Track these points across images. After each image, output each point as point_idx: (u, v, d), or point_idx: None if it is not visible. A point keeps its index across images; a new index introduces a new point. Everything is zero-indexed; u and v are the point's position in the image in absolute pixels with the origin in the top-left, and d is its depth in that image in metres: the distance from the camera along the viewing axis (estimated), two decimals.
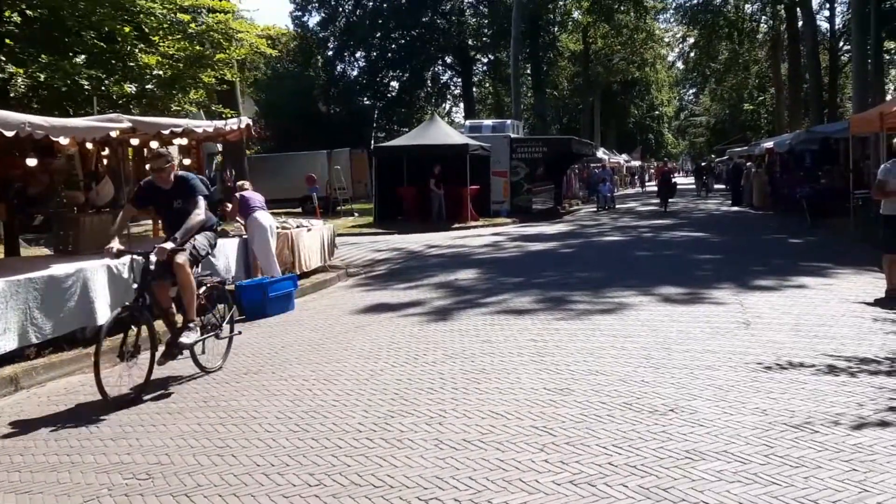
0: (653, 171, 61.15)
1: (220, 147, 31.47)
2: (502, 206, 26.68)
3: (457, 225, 23.70)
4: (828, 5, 45.48)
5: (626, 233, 19.64)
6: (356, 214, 27.66)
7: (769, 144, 26.92)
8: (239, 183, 11.86)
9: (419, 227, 23.27)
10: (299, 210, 29.38)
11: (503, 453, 4.66)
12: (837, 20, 46.88)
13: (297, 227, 12.75)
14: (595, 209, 30.83)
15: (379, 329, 8.66)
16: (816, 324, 7.96)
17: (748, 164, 32.76)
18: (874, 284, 10.30)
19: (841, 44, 48.43)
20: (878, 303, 9.11)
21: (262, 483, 4.41)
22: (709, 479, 4.16)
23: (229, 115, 12.94)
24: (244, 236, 11.15)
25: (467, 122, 32.36)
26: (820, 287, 10.24)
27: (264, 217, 11.05)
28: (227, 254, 10.68)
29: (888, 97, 39.14)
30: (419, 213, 25.09)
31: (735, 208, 28.40)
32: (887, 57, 41.62)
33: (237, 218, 11.46)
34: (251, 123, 11.11)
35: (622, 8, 49.27)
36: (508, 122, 29.98)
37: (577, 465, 4.44)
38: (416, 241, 19.15)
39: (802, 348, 6.96)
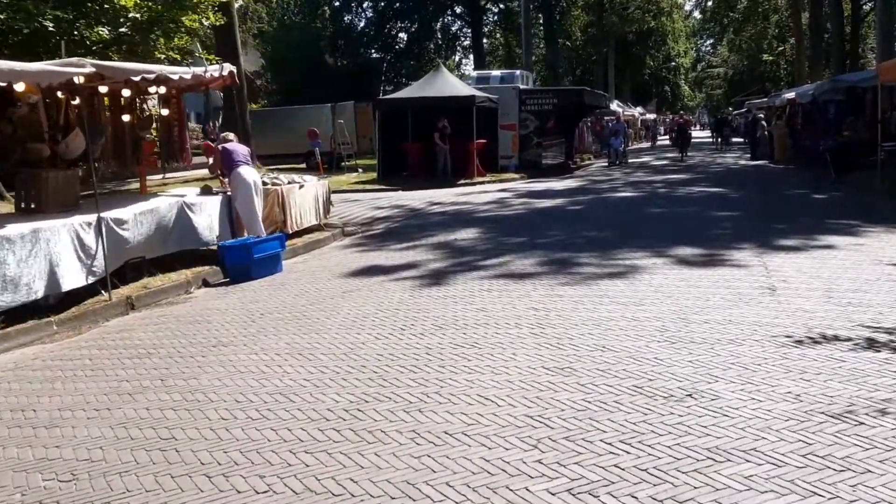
0: (665, 124, 59.66)
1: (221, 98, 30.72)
2: (511, 160, 25.72)
3: (462, 181, 22.82)
4: None
5: (639, 188, 18.74)
6: (360, 170, 26.80)
7: (790, 95, 25.74)
8: (223, 134, 11.05)
9: (424, 184, 22.41)
10: (303, 165, 28.58)
11: (489, 451, 3.94)
12: None
13: (289, 183, 11.97)
14: (606, 164, 29.73)
15: (368, 294, 7.94)
16: (850, 289, 7.17)
17: (759, 115, 31.62)
18: None
19: None
20: None
21: (201, 488, 3.72)
22: (736, 488, 3.43)
23: (215, 62, 12.05)
24: (228, 193, 10.40)
25: (475, 73, 31.24)
26: (850, 247, 9.40)
27: (248, 172, 10.27)
28: (209, 212, 9.94)
29: None
30: (424, 168, 24.21)
31: (754, 162, 27.34)
32: None
33: (219, 172, 10.71)
34: (234, 71, 10.25)
35: None
36: (517, 72, 28.86)
37: (576, 467, 3.72)
38: (419, 198, 18.34)
39: (836, 318, 6.19)
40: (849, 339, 5.60)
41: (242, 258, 9.35)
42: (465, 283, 8.19)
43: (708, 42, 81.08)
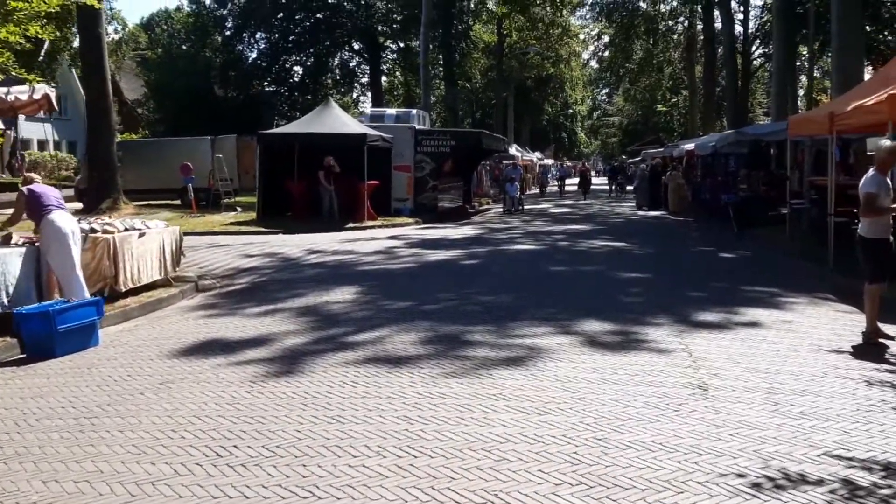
0: (559, 170, 59.51)
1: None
2: (405, 204, 24.22)
3: (351, 225, 21.10)
4: (741, 8, 44.52)
5: (538, 240, 17.44)
6: (239, 210, 24.69)
7: (689, 146, 25.32)
8: (26, 175, 8.93)
9: (308, 227, 20.56)
10: (178, 202, 26.23)
11: None
12: (751, 24, 46.51)
13: (126, 230, 9.93)
14: (503, 211, 28.42)
15: (192, 388, 6.06)
16: (796, 390, 5.81)
17: (642, 165, 31.63)
18: (840, 321, 8.36)
19: (753, 48, 48.09)
20: (857, 352, 7.08)
21: None
22: None
23: (36, 83, 9.95)
24: (37, 243, 8.31)
25: (368, 111, 29.80)
26: (778, 325, 8.15)
27: (63, 219, 8.21)
28: (5, 268, 7.83)
29: (799, 102, 38.72)
30: (310, 210, 22.36)
31: (652, 213, 26.73)
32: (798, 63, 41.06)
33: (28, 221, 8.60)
34: (50, 94, 8.26)
35: (538, 1, 47.48)
36: (414, 111, 27.53)
37: None
38: (298, 245, 16.48)
39: (793, 441, 4.76)
40: (820, 482, 4.15)
41: (42, 329, 7.29)
42: (325, 373, 6.42)
43: (604, 91, 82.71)
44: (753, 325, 8.20)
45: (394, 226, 21.62)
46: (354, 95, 56.56)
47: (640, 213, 27.27)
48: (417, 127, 25.03)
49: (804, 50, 43.42)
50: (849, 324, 8.19)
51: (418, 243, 16.54)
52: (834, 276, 11.35)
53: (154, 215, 24.07)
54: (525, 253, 14.84)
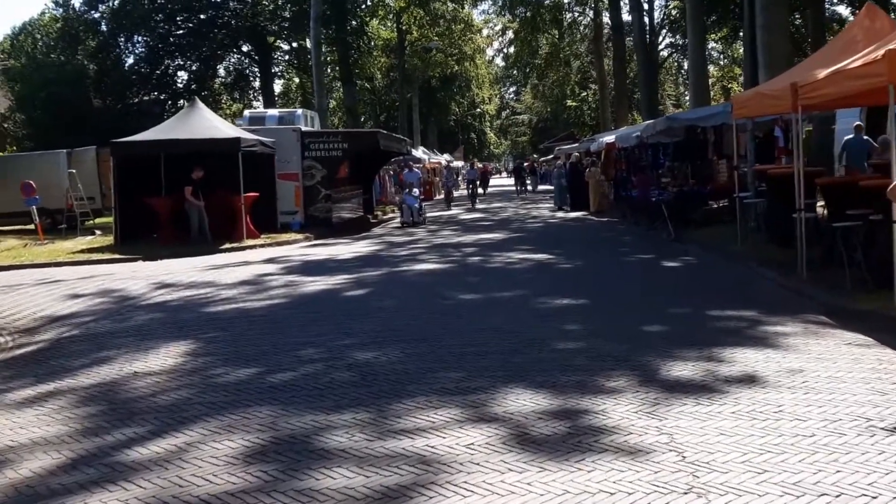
0: (466, 174, 56.98)
1: None
2: (294, 217, 21.10)
3: (228, 245, 17.91)
4: None
5: (445, 255, 14.62)
6: (98, 233, 21.15)
7: (609, 139, 23.03)
8: None
9: (176, 251, 17.28)
10: (32, 227, 22.42)
11: None
12: (656, 13, 45.11)
13: None
14: (400, 223, 24.32)
15: None
16: None
17: (558, 162, 29.68)
18: (868, 365, 5.88)
19: (660, 38, 46.81)
20: None
21: None
22: None
23: None
24: None
25: (246, 113, 26.43)
26: (786, 380, 5.57)
27: None
28: None
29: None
30: (179, 230, 19.06)
31: (573, 214, 24.35)
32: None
33: None
34: None
35: None
36: (299, 111, 24.41)
37: None
38: (149, 276, 13.26)
39: None
40: None
41: None
42: None
43: (511, 89, 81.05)
44: (751, 381, 5.59)
45: (278, 244, 18.53)
46: (249, 101, 52.61)
47: (560, 214, 24.90)
48: (304, 129, 21.92)
49: (714, 37, 42.45)
50: (882, 369, 5.71)
51: (298, 267, 13.52)
52: (813, 289, 8.97)
53: None
54: (427, 276, 11.97)
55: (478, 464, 4.19)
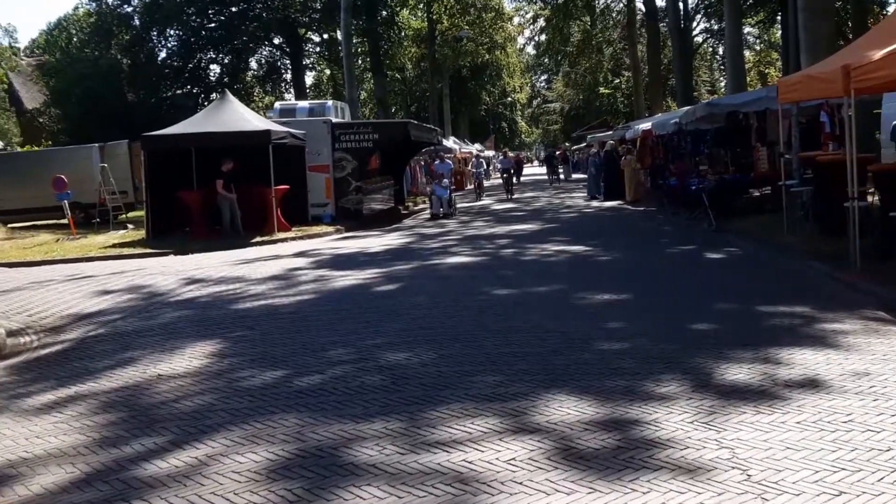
0: (500, 162, 56.32)
1: None
2: (325, 209, 20.85)
3: (258, 239, 17.72)
4: None
5: (478, 248, 14.23)
6: (131, 227, 21.08)
7: (645, 126, 22.43)
8: None
9: (207, 245, 17.15)
10: (65, 221, 22.46)
11: None
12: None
13: None
14: (429, 215, 23.39)
15: None
16: None
17: (592, 150, 29.00)
18: None
19: (694, 24, 45.87)
20: None
21: None
22: None
23: None
24: None
25: (277, 105, 26.20)
26: (852, 384, 5.14)
27: None
28: None
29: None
30: (209, 223, 18.93)
31: (608, 203, 23.81)
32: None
33: None
34: None
35: None
36: (330, 103, 24.15)
37: None
38: (180, 271, 13.09)
39: None
40: None
41: None
42: None
43: (542, 77, 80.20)
44: (814, 385, 5.16)
45: (309, 237, 18.30)
46: (281, 94, 52.59)
47: (595, 204, 24.37)
48: (335, 120, 21.64)
49: (751, 21, 41.47)
50: None
51: (328, 261, 13.24)
52: (868, 283, 8.47)
53: (28, 238, 20.47)
54: (460, 269, 11.59)
55: (521, 483, 3.84)
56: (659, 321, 7.36)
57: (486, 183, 34.99)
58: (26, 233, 21.66)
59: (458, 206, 26.64)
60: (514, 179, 34.12)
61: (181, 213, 18.92)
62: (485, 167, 40.35)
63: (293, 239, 17.93)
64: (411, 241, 16.24)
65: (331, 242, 16.97)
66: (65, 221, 22.02)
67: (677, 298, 8.44)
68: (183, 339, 7.72)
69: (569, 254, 12.63)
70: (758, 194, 17.10)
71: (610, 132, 34.87)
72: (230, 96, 20.09)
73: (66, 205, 19.56)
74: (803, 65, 14.49)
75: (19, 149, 39.64)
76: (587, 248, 13.04)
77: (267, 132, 17.96)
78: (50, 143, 39.74)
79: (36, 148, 35.91)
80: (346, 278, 11.05)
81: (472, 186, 34.05)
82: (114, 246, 17.58)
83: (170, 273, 12.92)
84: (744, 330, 6.80)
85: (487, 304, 8.60)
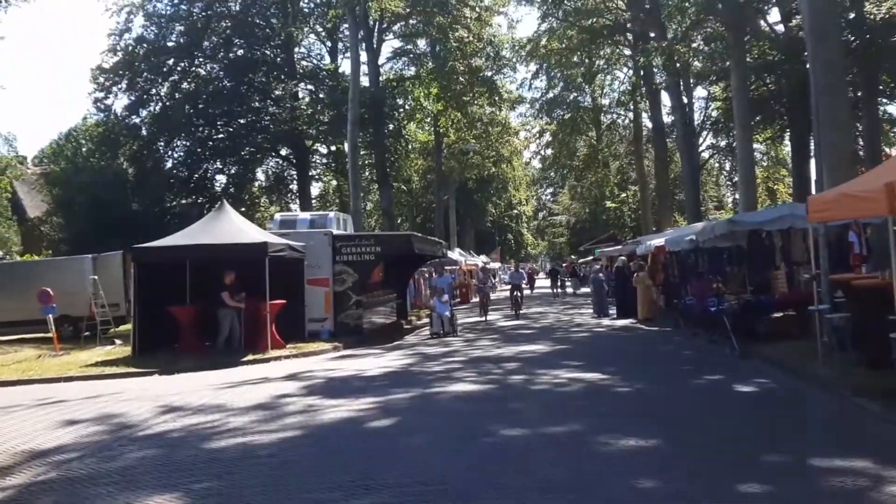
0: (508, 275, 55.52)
1: None
2: (323, 324, 19.91)
3: (251, 357, 16.69)
4: (686, 96, 42.23)
5: (484, 372, 13.12)
6: (119, 342, 20.08)
7: (657, 242, 21.67)
8: None
9: (197, 363, 16.14)
10: (51, 336, 21.45)
11: None
12: (696, 115, 44.28)
13: None
14: (429, 333, 21.68)
15: None
16: None
17: (596, 266, 28.00)
18: None
19: (700, 139, 46.00)
20: None
21: None
22: None
23: None
24: None
25: (277, 216, 25.62)
26: None
27: None
28: None
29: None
30: (201, 339, 17.96)
31: (620, 322, 22.77)
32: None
33: None
34: None
35: (475, 102, 44.76)
36: (331, 214, 23.50)
37: None
38: (160, 395, 12.02)
39: None
40: None
41: None
42: None
43: (548, 190, 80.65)
44: None
45: (304, 354, 17.28)
46: (285, 204, 52.47)
47: (605, 322, 23.33)
48: (336, 232, 20.95)
49: (758, 138, 41.44)
50: None
51: (320, 387, 12.14)
52: None
53: (10, 354, 19.44)
54: (464, 400, 10.44)
55: None
56: (699, 479, 6.24)
57: (492, 295, 32.95)
58: (10, 347, 20.65)
59: (464, 320, 25.66)
60: (528, 290, 31.24)
61: (172, 328, 17.96)
62: (491, 282, 36.95)
63: (287, 357, 16.91)
64: (412, 362, 15.15)
65: (326, 362, 15.90)
66: (49, 335, 21.05)
67: (715, 446, 7.30)
68: (138, 492, 6.61)
69: (584, 383, 11.51)
70: (778, 315, 16.04)
71: (618, 247, 34.20)
72: (227, 207, 19.47)
73: (51, 319, 18.62)
74: (826, 183, 13.73)
75: (18, 258, 39.10)
76: (604, 377, 11.92)
77: (263, 244, 17.21)
78: (50, 252, 39.19)
79: (36, 257, 35.34)
80: (337, 409, 9.94)
81: (478, 300, 32.68)
82: (96, 364, 16.51)
83: (147, 398, 11.84)
84: (803, 496, 5.68)
85: (495, 450, 7.48)
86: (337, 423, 9.17)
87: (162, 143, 43.52)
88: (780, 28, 31.48)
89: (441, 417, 9.21)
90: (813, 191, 29.46)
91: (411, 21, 39.72)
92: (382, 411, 9.75)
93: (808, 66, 29.15)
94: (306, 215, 23.80)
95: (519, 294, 27.81)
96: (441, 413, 9.49)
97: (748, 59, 28.61)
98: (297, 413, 9.90)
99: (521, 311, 27.46)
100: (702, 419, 8.69)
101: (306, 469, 7.06)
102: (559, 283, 45.41)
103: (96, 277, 21.13)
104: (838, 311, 11.84)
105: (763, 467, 6.55)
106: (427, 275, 33.25)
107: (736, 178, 50.17)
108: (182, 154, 43.50)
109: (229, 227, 18.22)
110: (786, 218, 13.28)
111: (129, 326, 22.13)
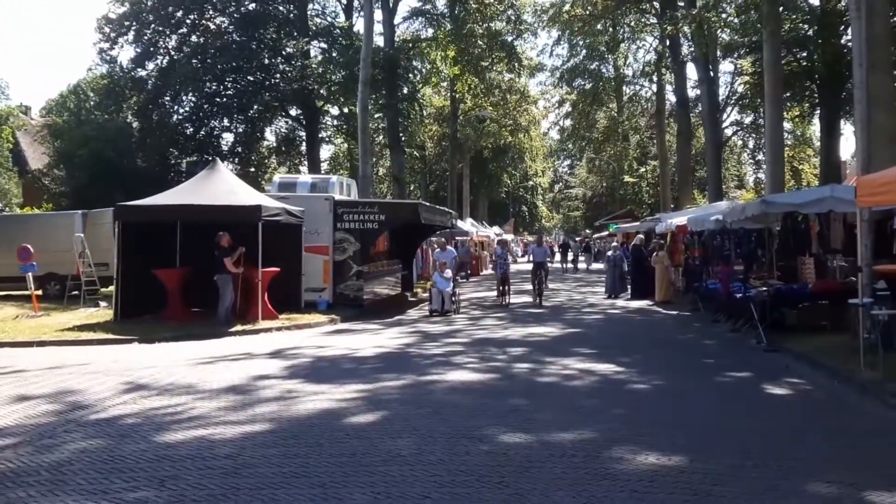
0: (522, 246, 54.29)
1: None
2: (321, 295, 18.82)
3: (240, 327, 15.62)
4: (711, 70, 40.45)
5: (486, 357, 11.95)
6: (103, 304, 19.05)
7: (679, 221, 20.33)
8: None
9: (179, 331, 15.12)
10: (39, 292, 20.49)
11: None
12: (721, 90, 42.48)
13: None
14: (428, 311, 19.77)
15: None
16: None
17: (614, 244, 26.71)
18: None
19: (724, 115, 44.30)
20: None
21: None
22: None
23: None
24: None
25: (276, 178, 24.40)
26: None
27: None
28: None
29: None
30: (187, 305, 16.94)
31: (635, 304, 21.55)
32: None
33: None
34: None
35: (494, 68, 43.08)
36: (334, 178, 22.25)
37: None
38: (130, 367, 11.01)
39: None
40: None
41: None
42: None
43: (565, 163, 79.02)
44: None
45: (297, 327, 16.22)
46: (293, 165, 51.17)
47: (620, 303, 22.12)
48: (338, 197, 19.75)
49: (786, 116, 39.74)
50: None
51: (305, 368, 11.03)
52: None
53: None
54: (462, 392, 9.27)
55: None
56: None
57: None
58: None
59: (474, 296, 24.53)
60: (548, 274, 24.12)
61: (157, 294, 16.90)
62: (511, 258, 28.53)
63: (278, 329, 15.84)
64: (410, 342, 13.99)
65: (318, 338, 14.79)
66: (38, 293, 20.07)
67: (752, 469, 6.11)
68: (65, 497, 5.51)
69: (596, 376, 10.32)
70: (807, 305, 14.72)
71: (636, 223, 32.83)
72: (220, 166, 18.28)
73: (30, 277, 17.59)
74: (871, 166, 12.35)
75: (18, 210, 38.17)
76: (619, 369, 10.73)
77: (256, 208, 16.05)
78: (51, 205, 38.21)
79: (36, 210, 34.37)
80: (318, 398, 8.81)
81: (489, 271, 30.38)
82: (73, 329, 15.50)
83: (114, 372, 10.78)
84: None
85: (491, 463, 6.31)
86: (313, 416, 8.03)
87: (168, 98, 42.21)
88: (815, 1, 29.83)
89: (433, 415, 8.04)
90: (845, 174, 27.88)
91: None
92: (368, 403, 8.61)
93: (843, 41, 27.57)
94: (307, 178, 22.57)
95: (544, 273, 22.41)
96: (433, 408, 8.32)
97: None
98: (271, 400, 8.78)
99: (544, 295, 22.11)
100: (731, 429, 7.48)
101: (263, 478, 5.93)
102: (571, 258, 44.23)
103: (83, 235, 20.06)
104: (885, 305, 10.58)
105: (809, 497, 5.36)
106: (436, 246, 32.04)
107: (759, 157, 48.72)
108: (188, 110, 42.20)
109: (221, 187, 17.04)
110: (826, 200, 11.96)
111: (110, 290, 21.18)
